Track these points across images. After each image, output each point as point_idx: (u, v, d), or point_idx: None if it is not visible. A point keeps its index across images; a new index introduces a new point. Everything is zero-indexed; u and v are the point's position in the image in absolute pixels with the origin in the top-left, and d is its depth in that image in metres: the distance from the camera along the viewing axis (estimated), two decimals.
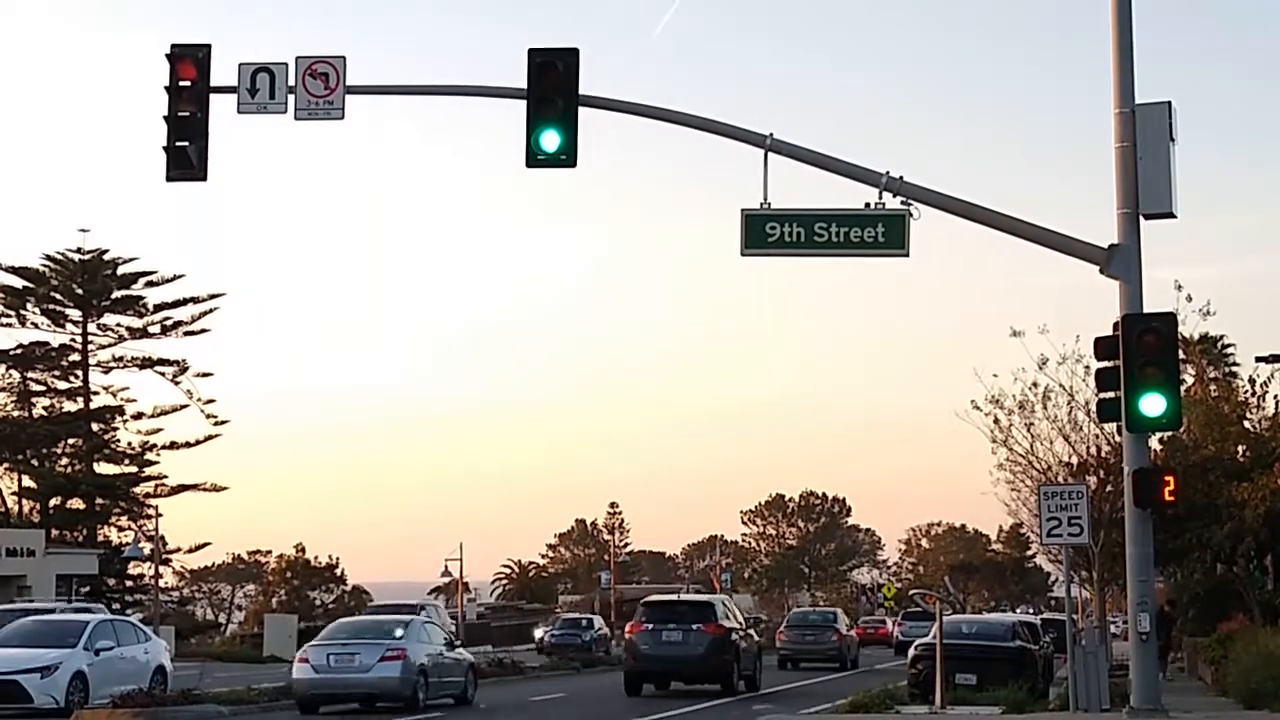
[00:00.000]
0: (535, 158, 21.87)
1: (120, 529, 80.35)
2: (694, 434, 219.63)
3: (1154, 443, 30.52)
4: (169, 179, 22.10)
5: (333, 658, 29.88)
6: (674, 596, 46.50)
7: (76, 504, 79.58)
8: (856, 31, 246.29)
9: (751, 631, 40.93)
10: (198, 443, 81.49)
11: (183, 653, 54.46)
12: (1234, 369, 52.66)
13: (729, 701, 33.86)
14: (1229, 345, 56.10)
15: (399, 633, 30.87)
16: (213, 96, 22.10)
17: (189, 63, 22.01)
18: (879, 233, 21.96)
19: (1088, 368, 36.40)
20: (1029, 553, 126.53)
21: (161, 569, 74.32)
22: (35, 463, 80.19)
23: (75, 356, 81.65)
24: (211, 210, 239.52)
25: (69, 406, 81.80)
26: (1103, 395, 22.17)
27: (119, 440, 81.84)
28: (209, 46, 22.22)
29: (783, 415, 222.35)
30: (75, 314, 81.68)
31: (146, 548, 69.22)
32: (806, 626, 56.22)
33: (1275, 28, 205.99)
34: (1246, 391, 40.33)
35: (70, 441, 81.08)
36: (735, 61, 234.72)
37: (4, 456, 79.43)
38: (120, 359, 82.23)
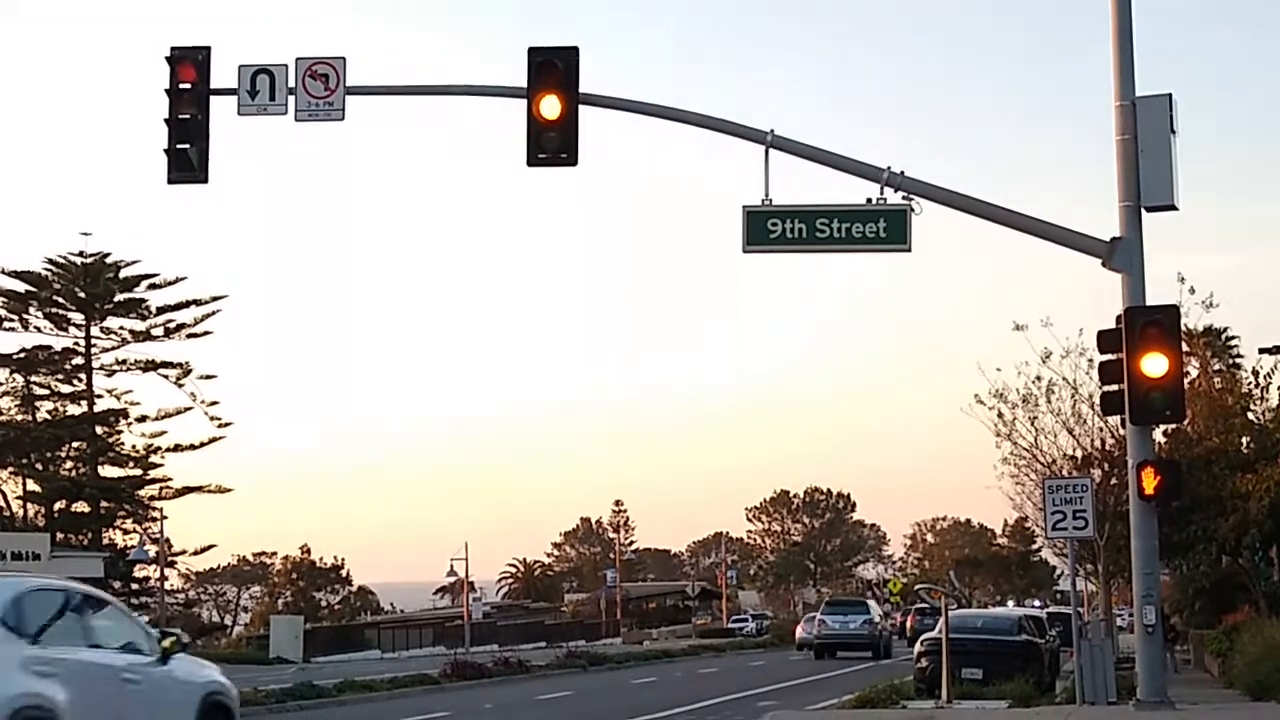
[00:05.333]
0: (536, 156, 21.79)
1: (125, 532, 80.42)
2: (698, 431, 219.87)
3: (1158, 435, 30.48)
4: (170, 181, 22.02)
5: (836, 621, 57.00)
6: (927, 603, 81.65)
7: (81, 507, 79.58)
8: (857, 27, 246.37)
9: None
10: (202, 445, 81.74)
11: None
12: (1238, 361, 52.59)
13: None
14: (1233, 337, 56.09)
15: (869, 609, 57.80)
16: (213, 99, 22.04)
17: (189, 65, 21.94)
18: (880, 228, 21.85)
19: (1091, 361, 36.38)
20: (1034, 546, 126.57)
21: (167, 571, 74.53)
22: (39, 466, 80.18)
23: (78, 360, 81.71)
24: (213, 212, 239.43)
25: (73, 410, 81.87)
26: (1106, 388, 22.15)
27: (123, 443, 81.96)
28: (209, 49, 22.12)
29: (787, 411, 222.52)
30: (78, 317, 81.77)
31: (152, 550, 69.40)
32: None
33: (1277, 17, 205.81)
34: (1250, 383, 40.22)
35: (74, 445, 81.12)
36: (736, 58, 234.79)
37: (8, 460, 79.43)
38: (123, 362, 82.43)
